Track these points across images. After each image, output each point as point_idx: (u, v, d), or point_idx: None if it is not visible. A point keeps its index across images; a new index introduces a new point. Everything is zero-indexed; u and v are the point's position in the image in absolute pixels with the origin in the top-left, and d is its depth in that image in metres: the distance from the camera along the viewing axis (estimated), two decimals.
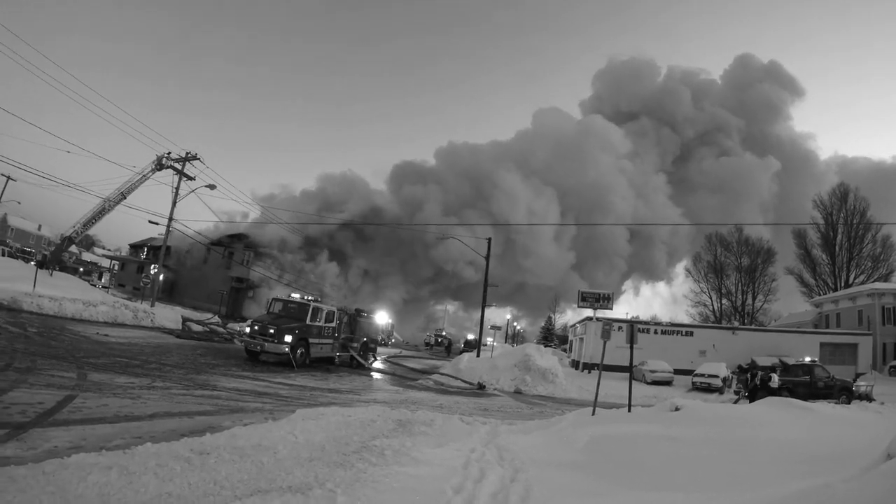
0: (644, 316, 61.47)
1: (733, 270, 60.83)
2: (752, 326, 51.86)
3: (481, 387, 23.82)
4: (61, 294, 25.52)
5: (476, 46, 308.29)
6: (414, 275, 61.87)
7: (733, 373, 33.18)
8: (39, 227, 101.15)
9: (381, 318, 30.46)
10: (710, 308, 62.34)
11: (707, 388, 31.17)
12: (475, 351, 34.13)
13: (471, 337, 56.44)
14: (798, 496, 4.52)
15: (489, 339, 42.72)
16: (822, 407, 11.31)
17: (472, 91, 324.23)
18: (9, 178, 56.57)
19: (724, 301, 61.48)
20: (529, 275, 64.09)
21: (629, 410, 12.10)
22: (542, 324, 78.76)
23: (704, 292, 62.87)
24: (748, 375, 24.91)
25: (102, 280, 59.06)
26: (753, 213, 68.39)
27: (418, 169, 71.04)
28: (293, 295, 24.44)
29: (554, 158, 67.01)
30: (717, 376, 31.96)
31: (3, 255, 43.10)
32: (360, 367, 25.33)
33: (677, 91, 77.62)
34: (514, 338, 74.94)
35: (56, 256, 45.27)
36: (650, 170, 72.47)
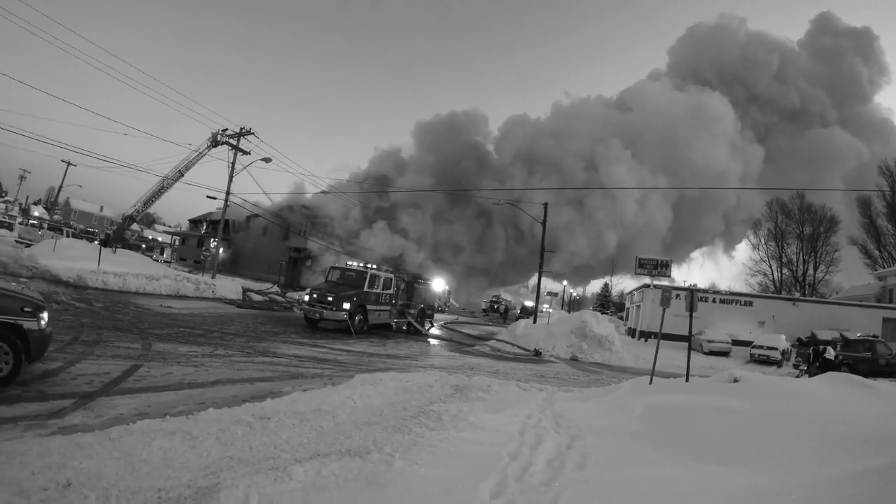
0: (701, 285, 60.20)
1: (794, 239, 58.64)
2: (813, 298, 49.80)
3: (537, 353, 23.69)
4: (125, 270, 26.21)
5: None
6: (486, 242, 61.68)
7: (793, 345, 32.30)
8: (101, 208, 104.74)
9: (438, 284, 30.47)
10: (770, 278, 60.25)
11: (766, 361, 30.27)
12: (532, 317, 33.97)
13: (528, 303, 56.19)
14: (872, 474, 4.30)
15: (545, 306, 42.44)
16: (885, 385, 10.81)
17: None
18: (69, 163, 58.58)
19: (784, 271, 59.37)
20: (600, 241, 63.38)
21: (687, 380, 11.81)
22: (599, 291, 77.96)
23: (764, 261, 60.74)
24: (811, 350, 24.19)
25: (164, 255, 60.74)
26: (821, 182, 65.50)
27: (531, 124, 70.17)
28: (351, 262, 24.58)
29: (652, 132, 65.36)
30: (776, 348, 31.00)
31: (68, 236, 44.42)
32: (416, 334, 25.44)
33: (759, 61, 73.70)
34: (571, 304, 74.40)
35: (118, 235, 46.51)
36: (740, 141, 69.32)
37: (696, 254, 76.11)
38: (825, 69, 73.54)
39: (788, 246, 58.74)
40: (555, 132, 65.00)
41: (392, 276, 24.91)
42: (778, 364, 29.88)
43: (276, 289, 33.82)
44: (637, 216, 60.80)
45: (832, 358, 22.00)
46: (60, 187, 64.64)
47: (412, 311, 26.10)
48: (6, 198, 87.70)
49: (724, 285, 65.61)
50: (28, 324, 7.41)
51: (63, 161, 58.51)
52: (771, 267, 59.90)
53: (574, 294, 78.05)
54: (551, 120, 71.03)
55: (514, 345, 24.91)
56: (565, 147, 62.21)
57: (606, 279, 75.86)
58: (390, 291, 24.15)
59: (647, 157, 62.05)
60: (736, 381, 10.30)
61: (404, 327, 25.88)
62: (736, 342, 34.61)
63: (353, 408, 7.95)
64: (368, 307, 22.30)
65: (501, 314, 55.99)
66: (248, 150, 35.52)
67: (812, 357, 23.32)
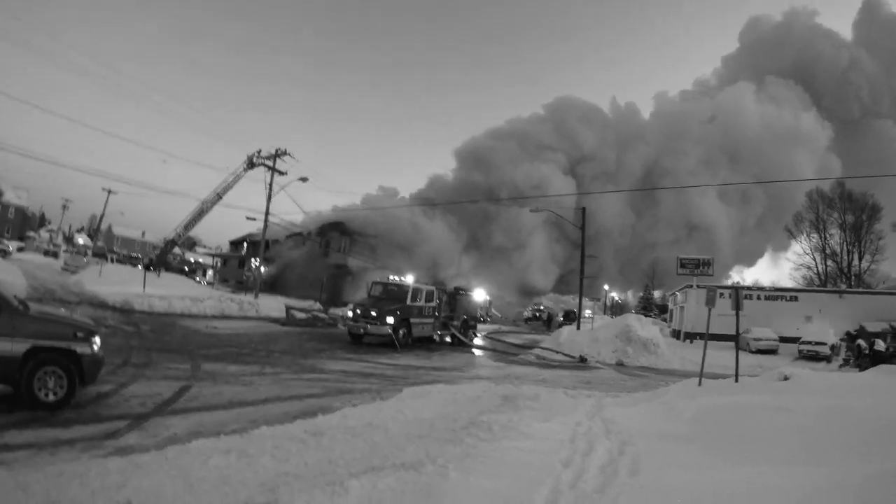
0: (745, 281, 58.90)
1: (837, 229, 56.83)
2: (860, 289, 48.24)
3: (583, 360, 23.40)
4: (170, 293, 26.66)
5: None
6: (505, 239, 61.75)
7: (842, 339, 31.39)
8: (143, 233, 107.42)
9: (479, 294, 30.32)
10: (815, 270, 58.43)
11: (814, 357, 29.58)
12: (575, 323, 33.62)
13: (570, 309, 55.66)
14: None
15: (587, 312, 41.93)
16: None
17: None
18: (110, 191, 60.07)
19: (828, 263, 57.56)
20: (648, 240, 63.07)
21: (736, 380, 11.54)
22: (641, 293, 76.78)
23: (807, 253, 58.96)
24: (857, 343, 23.48)
25: (206, 277, 61.67)
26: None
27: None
28: (393, 277, 24.63)
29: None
30: (824, 343, 30.27)
31: (112, 262, 45.52)
32: (461, 345, 25.33)
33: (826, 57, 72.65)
34: (613, 308, 73.52)
35: (161, 259, 47.40)
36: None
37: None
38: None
39: (831, 237, 56.92)
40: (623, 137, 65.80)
41: (434, 288, 24.84)
42: (827, 359, 29.09)
43: (318, 306, 34.00)
44: (703, 218, 60.61)
45: (883, 350, 21.35)
46: (103, 215, 66.46)
47: (455, 323, 25.99)
48: (50, 227, 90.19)
49: (766, 281, 64.29)
50: (81, 348, 7.61)
51: (104, 189, 60.05)
52: (815, 259, 58.03)
53: (617, 298, 77.04)
54: (621, 122, 71.50)
55: (558, 352, 24.65)
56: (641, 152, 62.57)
57: (647, 282, 74.69)
58: (433, 304, 24.08)
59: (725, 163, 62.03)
60: (786, 378, 10.12)
61: (448, 339, 25.77)
62: (783, 339, 33.79)
63: (404, 421, 7.93)
64: (412, 320, 22.24)
65: (545, 322, 55.48)
66: (284, 170, 35.86)
67: (859, 350, 22.64)
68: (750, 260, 72.85)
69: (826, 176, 55.78)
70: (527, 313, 59.55)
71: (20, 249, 53.90)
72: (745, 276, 71.11)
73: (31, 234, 75.31)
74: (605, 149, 66.35)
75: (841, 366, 23.20)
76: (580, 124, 67.67)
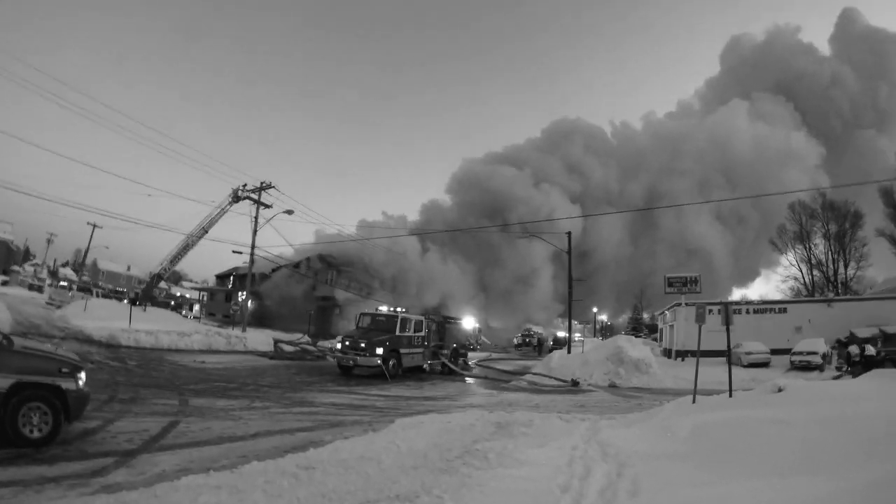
0: (732, 297, 59.05)
1: (821, 239, 57.31)
2: (848, 296, 48.50)
3: (575, 383, 23.32)
4: (156, 327, 26.39)
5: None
6: (505, 274, 61.57)
7: (832, 348, 31.48)
8: (128, 267, 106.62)
9: (468, 322, 30.28)
10: (801, 281, 58.82)
11: (807, 367, 29.49)
12: (565, 347, 33.56)
13: (560, 334, 55.57)
14: None
15: (577, 335, 41.88)
16: None
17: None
18: (95, 225, 59.71)
19: (814, 272, 57.95)
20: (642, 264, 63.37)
21: (730, 395, 11.56)
22: (629, 314, 76.90)
23: (793, 265, 59.41)
24: (847, 351, 23.56)
25: (193, 311, 61.21)
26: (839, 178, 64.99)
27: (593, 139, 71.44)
28: (381, 308, 24.55)
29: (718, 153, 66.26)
30: (815, 353, 30.18)
31: (98, 296, 45.10)
32: (451, 374, 25.22)
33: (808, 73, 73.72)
34: (603, 331, 73.58)
35: (147, 293, 47.05)
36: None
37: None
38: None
39: (815, 247, 57.38)
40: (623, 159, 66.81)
41: (423, 318, 24.80)
42: (820, 368, 29.02)
43: (306, 339, 33.79)
44: (699, 241, 61.09)
45: (874, 354, 21.40)
46: (87, 249, 65.87)
47: (445, 352, 25.93)
48: (35, 261, 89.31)
49: (754, 296, 64.74)
50: (66, 384, 7.52)
51: (89, 223, 59.66)
52: (801, 270, 58.50)
53: (606, 320, 77.19)
54: (620, 145, 72.29)
55: (550, 377, 24.57)
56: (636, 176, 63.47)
57: (635, 303, 74.81)
58: (422, 333, 24.04)
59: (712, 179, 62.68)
60: (780, 390, 10.14)
61: (438, 368, 25.64)
62: (774, 351, 33.68)
63: (398, 452, 7.84)
64: (401, 351, 22.18)
65: (535, 347, 55.39)
66: (269, 203, 35.80)
67: (849, 357, 22.69)
68: (745, 280, 73.29)
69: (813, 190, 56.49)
70: (517, 339, 59.47)
71: (4, 283, 53.40)
72: (743, 294, 71.40)
73: (16, 268, 74.48)
74: (608, 174, 66.95)
75: (837, 376, 23.19)
76: (581, 150, 68.40)
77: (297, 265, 51.30)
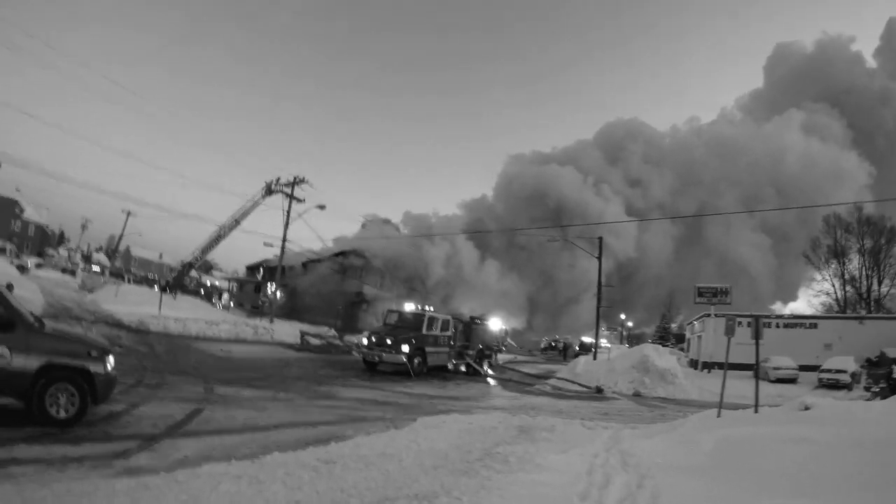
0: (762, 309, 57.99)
1: (855, 254, 55.92)
2: (881, 314, 47.34)
3: (599, 390, 23.10)
4: (185, 315, 26.75)
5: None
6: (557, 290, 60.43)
7: (862, 367, 30.78)
8: (160, 255, 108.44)
9: (496, 324, 30.14)
10: (834, 297, 57.54)
11: (835, 385, 29.00)
12: (591, 354, 33.30)
13: (586, 340, 55.22)
14: None
15: (604, 342, 41.59)
16: None
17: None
18: (129, 212, 60.79)
19: (847, 288, 56.66)
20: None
21: (756, 411, 11.28)
22: (658, 323, 76.06)
23: (826, 280, 58.11)
24: (882, 371, 23.03)
25: (222, 300, 61.86)
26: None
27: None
28: (408, 305, 24.56)
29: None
30: (844, 371, 29.66)
31: (129, 282, 45.93)
32: (476, 375, 25.12)
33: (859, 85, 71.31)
34: (629, 338, 72.93)
35: (178, 281, 47.77)
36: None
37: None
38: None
39: (850, 262, 56.01)
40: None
41: (450, 317, 24.74)
42: (848, 387, 28.50)
43: (333, 332, 33.94)
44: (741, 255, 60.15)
45: None
46: (121, 236, 67.20)
47: (471, 353, 25.84)
48: (69, 245, 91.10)
49: (786, 309, 63.59)
50: (94, 367, 7.59)
51: (123, 211, 60.80)
52: (833, 286, 57.19)
53: (632, 326, 76.46)
54: (672, 151, 70.69)
55: (574, 382, 24.40)
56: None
57: (663, 311, 73.91)
58: (448, 333, 23.97)
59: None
60: (807, 408, 9.85)
61: (462, 368, 25.57)
62: (803, 367, 33.14)
63: (418, 451, 7.83)
64: (427, 349, 22.13)
65: (561, 352, 55.14)
66: (302, 197, 36.00)
67: (880, 378, 22.21)
68: (787, 298, 71.64)
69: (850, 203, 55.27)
70: (543, 343, 59.23)
71: (38, 266, 54.43)
72: (773, 309, 70.09)
73: (50, 251, 76.19)
74: (663, 184, 65.38)
75: (869, 397, 22.67)
76: (640, 158, 66.88)
77: (338, 255, 51.41)
